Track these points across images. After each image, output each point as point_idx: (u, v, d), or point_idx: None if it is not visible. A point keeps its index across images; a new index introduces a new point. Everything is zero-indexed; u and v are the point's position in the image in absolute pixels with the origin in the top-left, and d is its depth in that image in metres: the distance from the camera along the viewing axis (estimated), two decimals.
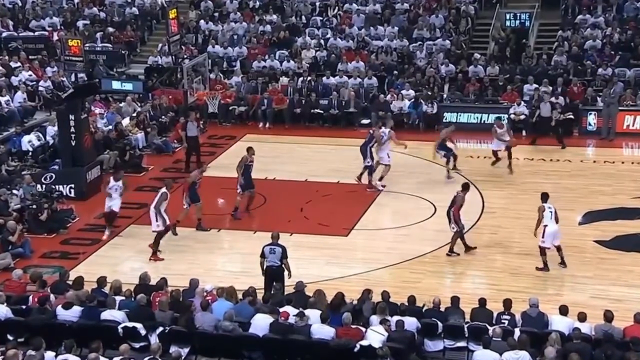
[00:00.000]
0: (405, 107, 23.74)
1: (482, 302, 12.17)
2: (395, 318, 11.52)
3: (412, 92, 24.15)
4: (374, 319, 11.57)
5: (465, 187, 15.95)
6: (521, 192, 18.97)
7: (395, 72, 25.50)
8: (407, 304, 12.18)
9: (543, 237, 14.70)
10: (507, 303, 12.06)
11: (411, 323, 11.52)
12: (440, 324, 11.71)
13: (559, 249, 14.88)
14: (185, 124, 20.77)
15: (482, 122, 23.30)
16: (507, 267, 15.26)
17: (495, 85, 24.38)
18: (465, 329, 11.61)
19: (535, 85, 23.57)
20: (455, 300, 12.19)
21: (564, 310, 11.80)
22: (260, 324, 11.46)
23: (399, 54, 26.35)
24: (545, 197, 15.20)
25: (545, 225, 14.70)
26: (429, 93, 23.92)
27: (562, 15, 27.31)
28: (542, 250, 14.80)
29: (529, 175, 19.99)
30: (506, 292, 13.33)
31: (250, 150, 17.49)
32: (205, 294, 12.29)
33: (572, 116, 22.82)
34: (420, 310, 12.16)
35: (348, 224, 17.28)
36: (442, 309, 12.10)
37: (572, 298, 13.48)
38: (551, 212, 14.80)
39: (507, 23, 27.09)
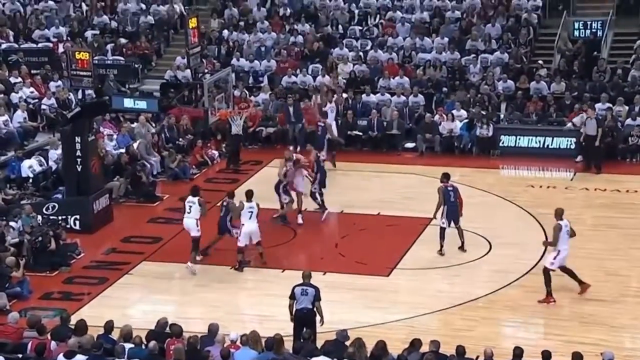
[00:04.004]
0: (456, 129, 23.69)
1: (547, 355, 11.99)
2: None
3: (463, 112, 24.11)
4: None
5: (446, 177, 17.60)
6: (591, 227, 18.77)
7: (445, 89, 25.50)
8: (455, 355, 12.04)
9: (239, 235, 16.69)
10: (577, 357, 11.86)
11: None
12: None
13: (258, 243, 16.87)
14: (228, 120, 22.56)
15: (545, 146, 23.22)
16: (575, 315, 15.08)
17: (561, 104, 24.24)
18: None
19: (608, 105, 23.39)
20: (517, 352, 12.00)
21: None
22: None
23: (449, 69, 26.35)
24: (249, 194, 16.87)
25: (243, 224, 16.61)
26: (484, 113, 23.84)
27: None
28: (240, 249, 16.72)
29: (602, 208, 19.80)
30: (575, 344, 13.15)
31: None
32: (230, 343, 12.28)
33: None
34: None
35: (390, 262, 17.21)
36: None
37: None
38: (251, 212, 16.61)
39: (576, 33, 26.99)
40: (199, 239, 16.89)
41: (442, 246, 17.24)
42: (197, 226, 16.81)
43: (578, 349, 12.12)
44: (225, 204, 17.39)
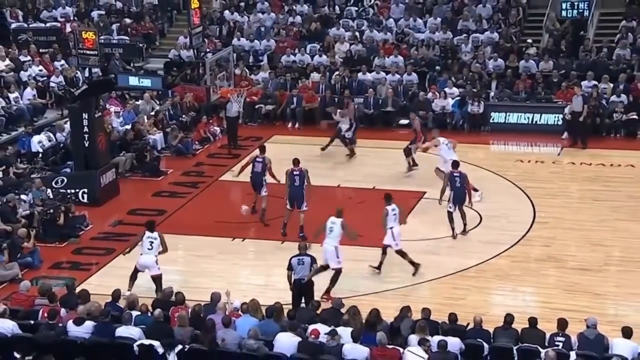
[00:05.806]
0: (448, 106, 23.67)
1: (533, 321, 12.06)
2: (437, 338, 11.47)
3: (455, 90, 24.07)
4: (413, 338, 11.53)
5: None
6: (578, 200, 18.85)
7: (438, 67, 25.42)
8: (447, 322, 12.12)
9: (394, 239, 15.44)
10: (562, 323, 11.93)
11: (454, 344, 11.46)
12: (486, 346, 11.62)
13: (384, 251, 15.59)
14: (225, 104, 22.03)
15: (534, 122, 23.22)
16: (561, 283, 15.14)
17: (549, 82, 24.20)
18: (515, 352, 11.50)
19: (594, 82, 23.35)
20: (508, 319, 12.07)
21: (627, 333, 11.62)
22: (284, 343, 11.47)
23: (442, 48, 26.26)
24: (388, 198, 15.73)
25: (391, 227, 15.45)
26: (475, 90, 23.81)
27: (626, 4, 26.95)
28: (384, 249, 15.51)
29: (587, 181, 19.84)
30: (560, 311, 13.18)
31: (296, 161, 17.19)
32: (233, 311, 12.36)
33: (636, 116, 22.61)
34: (464, 329, 12.09)
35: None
36: (491, 329, 12.00)
37: (636, 319, 13.25)
38: (395, 214, 15.49)
39: (564, 13, 26.84)
40: (161, 276, 14.62)
41: (453, 229, 16.86)
42: (157, 264, 14.62)
43: (563, 316, 12.20)
44: (259, 159, 16.98)
